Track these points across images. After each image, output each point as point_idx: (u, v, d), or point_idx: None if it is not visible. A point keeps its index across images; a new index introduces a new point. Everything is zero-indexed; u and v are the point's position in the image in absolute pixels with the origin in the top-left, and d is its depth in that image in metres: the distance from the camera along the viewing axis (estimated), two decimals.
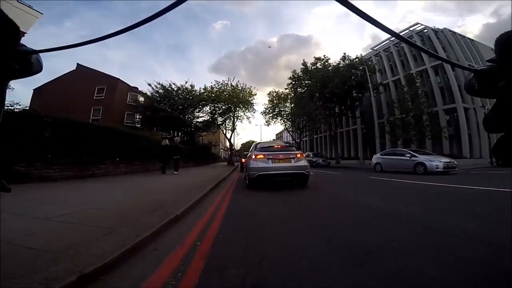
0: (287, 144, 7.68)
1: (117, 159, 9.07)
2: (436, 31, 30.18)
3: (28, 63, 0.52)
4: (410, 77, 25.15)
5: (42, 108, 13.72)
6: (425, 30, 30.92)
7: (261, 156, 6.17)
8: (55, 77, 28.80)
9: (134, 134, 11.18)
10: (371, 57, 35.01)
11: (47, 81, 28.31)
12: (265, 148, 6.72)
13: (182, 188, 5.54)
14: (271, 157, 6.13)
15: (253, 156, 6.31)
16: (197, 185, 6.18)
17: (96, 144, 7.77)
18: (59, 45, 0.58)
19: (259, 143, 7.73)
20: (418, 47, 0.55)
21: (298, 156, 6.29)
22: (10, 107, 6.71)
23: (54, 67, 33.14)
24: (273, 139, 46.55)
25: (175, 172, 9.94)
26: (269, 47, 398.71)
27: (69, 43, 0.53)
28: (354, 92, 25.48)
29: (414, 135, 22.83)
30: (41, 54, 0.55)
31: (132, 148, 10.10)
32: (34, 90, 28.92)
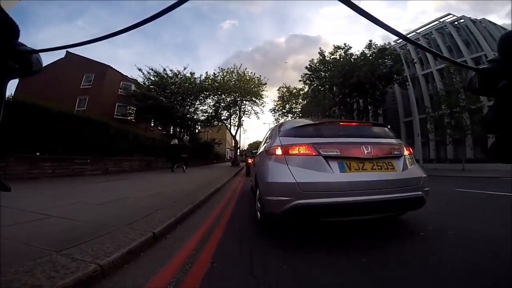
0: (370, 124, 2.95)
1: (38, 154, 5.53)
2: (474, 21, 26.57)
3: (28, 62, 0.51)
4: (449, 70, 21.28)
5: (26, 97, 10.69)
6: (462, 20, 27.37)
7: (305, 150, 2.23)
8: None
9: (76, 115, 7.38)
10: (396, 49, 31.31)
11: None
12: (312, 130, 2.56)
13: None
14: (335, 152, 2.16)
15: (278, 151, 2.37)
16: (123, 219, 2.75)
17: None
18: (69, 43, 0.51)
19: (288, 121, 3.44)
20: (425, 48, 0.54)
21: (406, 153, 2.42)
22: None
23: None
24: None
25: (185, 171, 10.04)
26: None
27: (79, 41, 0.50)
28: (380, 84, 21.77)
29: (452, 135, 18.62)
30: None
31: (75, 137, 6.61)
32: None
